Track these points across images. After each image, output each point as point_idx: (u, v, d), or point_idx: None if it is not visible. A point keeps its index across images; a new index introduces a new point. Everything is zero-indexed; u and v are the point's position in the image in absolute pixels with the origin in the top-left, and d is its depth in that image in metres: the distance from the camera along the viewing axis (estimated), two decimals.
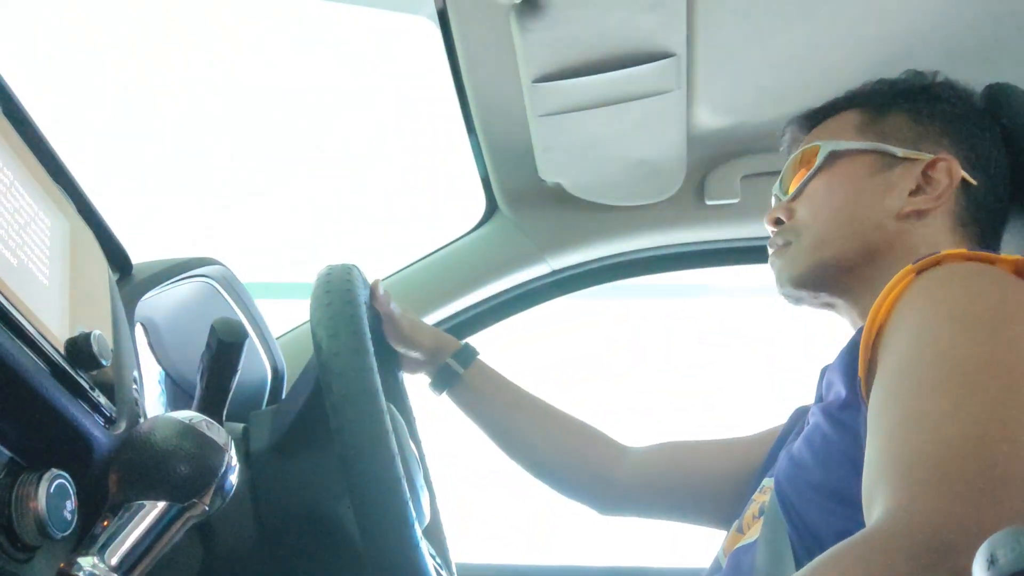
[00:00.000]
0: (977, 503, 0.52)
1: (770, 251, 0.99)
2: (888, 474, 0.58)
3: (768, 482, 0.93)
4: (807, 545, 0.75)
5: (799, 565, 0.74)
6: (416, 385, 1.17)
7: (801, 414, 0.98)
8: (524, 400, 1.17)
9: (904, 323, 0.70)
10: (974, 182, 0.90)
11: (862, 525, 0.60)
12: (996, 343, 0.62)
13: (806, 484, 0.77)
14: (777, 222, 0.98)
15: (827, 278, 0.92)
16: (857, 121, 0.96)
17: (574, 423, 1.16)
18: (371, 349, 0.75)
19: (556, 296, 1.54)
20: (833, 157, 0.94)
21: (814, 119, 1.02)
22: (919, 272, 0.74)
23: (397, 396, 1.11)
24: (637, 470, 1.12)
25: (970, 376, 0.61)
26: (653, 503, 1.12)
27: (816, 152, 0.95)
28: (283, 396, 1.16)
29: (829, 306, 0.96)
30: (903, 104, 0.96)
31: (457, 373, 1.14)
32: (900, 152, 0.92)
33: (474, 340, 1.54)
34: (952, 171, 0.90)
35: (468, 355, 1.16)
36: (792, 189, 0.98)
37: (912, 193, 0.90)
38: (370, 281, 1.05)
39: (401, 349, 1.12)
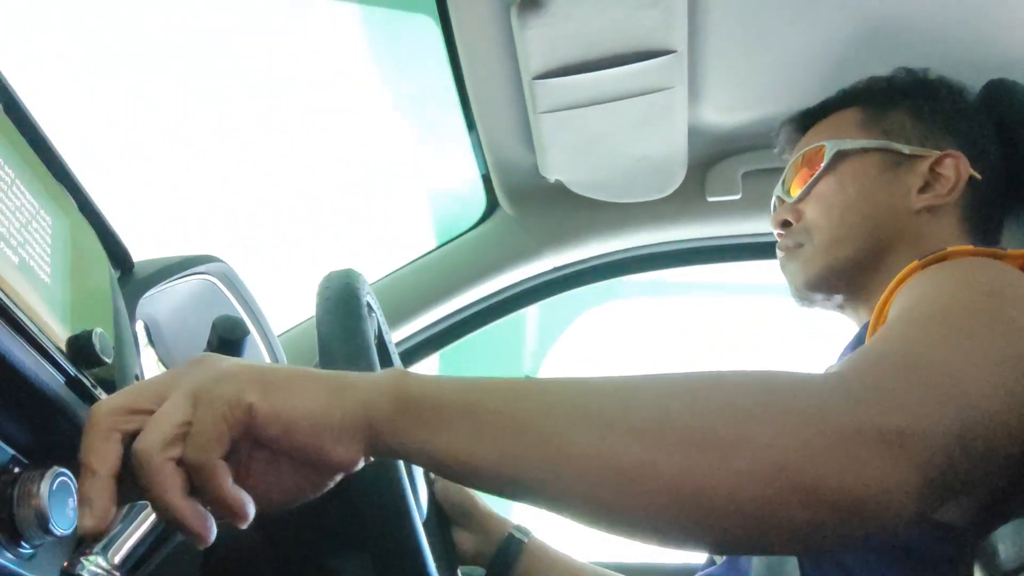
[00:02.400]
0: (923, 400, 0.50)
1: (780, 254, 0.98)
2: (850, 360, 0.56)
3: None
4: None
5: (803, 559, 0.74)
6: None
7: None
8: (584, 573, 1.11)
9: (904, 295, 0.69)
10: (979, 177, 0.90)
11: None
12: (995, 315, 0.60)
13: None
14: (784, 224, 0.97)
15: (842, 278, 0.92)
16: (858, 119, 0.96)
17: None
18: (376, 362, 0.76)
19: (557, 293, 1.54)
20: (840, 156, 0.94)
21: (810, 118, 1.02)
22: (924, 267, 0.74)
23: None
24: None
25: (961, 325, 0.59)
26: None
27: (821, 152, 0.95)
28: None
29: (840, 307, 0.96)
30: (904, 101, 0.96)
31: (522, 542, 1.07)
32: (907, 149, 0.92)
33: (474, 338, 1.55)
34: (960, 167, 0.90)
35: (525, 529, 1.10)
36: (795, 190, 0.97)
37: (921, 190, 0.90)
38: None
39: (456, 510, 1.06)
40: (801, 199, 0.96)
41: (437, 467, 0.51)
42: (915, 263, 0.74)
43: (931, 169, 0.91)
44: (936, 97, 0.96)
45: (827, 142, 0.95)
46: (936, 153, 0.91)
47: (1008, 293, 0.64)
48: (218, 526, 0.50)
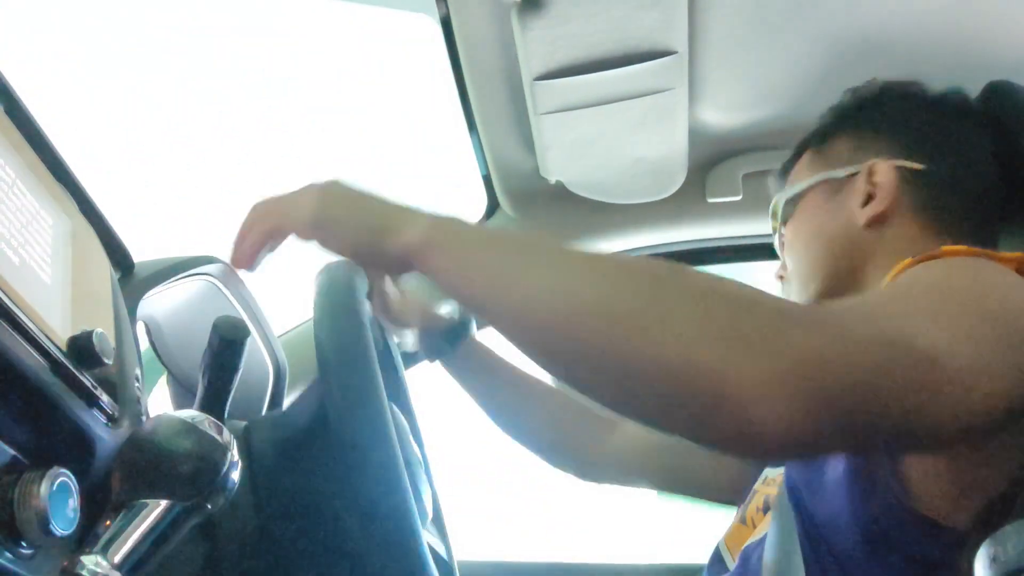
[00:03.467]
0: (893, 340, 0.53)
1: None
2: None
3: (772, 473, 0.93)
4: (814, 540, 0.75)
5: (807, 561, 0.74)
6: (415, 383, 1.16)
7: None
8: (513, 374, 1.17)
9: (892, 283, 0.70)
10: (918, 166, 0.90)
11: None
12: (981, 298, 0.60)
13: (817, 478, 0.77)
14: (782, 278, 1.02)
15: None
16: (807, 162, 1.00)
17: (562, 397, 1.18)
18: (376, 366, 0.75)
19: None
20: (790, 205, 0.98)
21: (788, 170, 1.05)
22: (917, 264, 0.73)
23: (399, 395, 1.11)
24: (628, 444, 1.13)
25: (941, 299, 0.59)
26: (644, 476, 1.15)
27: (776, 207, 1.01)
28: (284, 393, 1.16)
29: None
30: (843, 125, 0.98)
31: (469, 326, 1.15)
32: (842, 173, 0.94)
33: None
34: (885, 168, 0.90)
35: (465, 328, 1.16)
36: (776, 244, 1.03)
37: (865, 203, 0.91)
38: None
39: (390, 324, 1.09)
40: (783, 249, 1.01)
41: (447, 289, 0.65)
42: (908, 260, 0.73)
43: (870, 181, 0.91)
44: (873, 107, 0.97)
45: (777, 196, 1.01)
46: (866, 165, 0.92)
47: (999, 284, 0.63)
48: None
